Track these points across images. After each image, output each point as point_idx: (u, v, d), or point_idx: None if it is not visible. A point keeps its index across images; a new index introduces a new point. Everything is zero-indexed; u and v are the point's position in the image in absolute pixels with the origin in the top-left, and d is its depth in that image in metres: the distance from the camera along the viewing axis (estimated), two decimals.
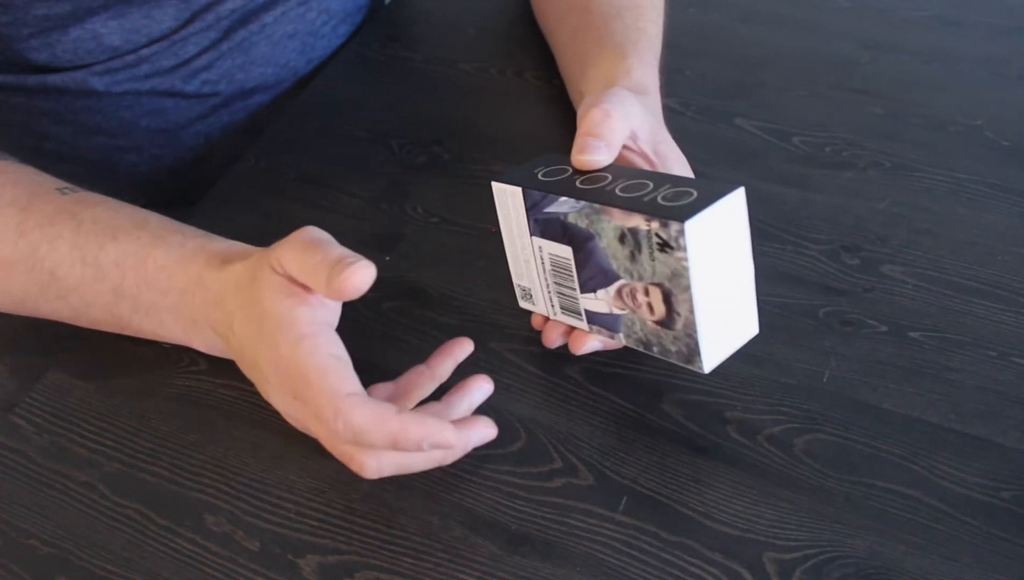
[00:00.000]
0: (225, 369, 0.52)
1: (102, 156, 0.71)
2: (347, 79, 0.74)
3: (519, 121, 0.68)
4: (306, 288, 0.44)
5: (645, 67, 0.58)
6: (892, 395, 0.50)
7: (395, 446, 0.42)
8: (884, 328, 0.53)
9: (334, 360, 0.43)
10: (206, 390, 0.52)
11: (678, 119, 0.68)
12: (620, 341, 0.48)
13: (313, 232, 0.44)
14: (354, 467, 0.44)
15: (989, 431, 0.48)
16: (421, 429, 0.42)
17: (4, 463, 0.49)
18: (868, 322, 0.54)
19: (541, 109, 0.69)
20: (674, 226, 0.41)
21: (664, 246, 0.42)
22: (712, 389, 0.51)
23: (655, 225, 0.42)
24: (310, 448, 0.49)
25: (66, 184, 0.53)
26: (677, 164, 0.52)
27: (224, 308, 0.47)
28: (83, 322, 0.53)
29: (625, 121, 0.48)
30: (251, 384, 0.51)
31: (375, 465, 0.44)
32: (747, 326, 0.46)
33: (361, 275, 0.41)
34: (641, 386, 0.51)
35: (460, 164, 0.65)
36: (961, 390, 0.50)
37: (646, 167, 0.50)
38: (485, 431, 0.45)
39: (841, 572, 0.43)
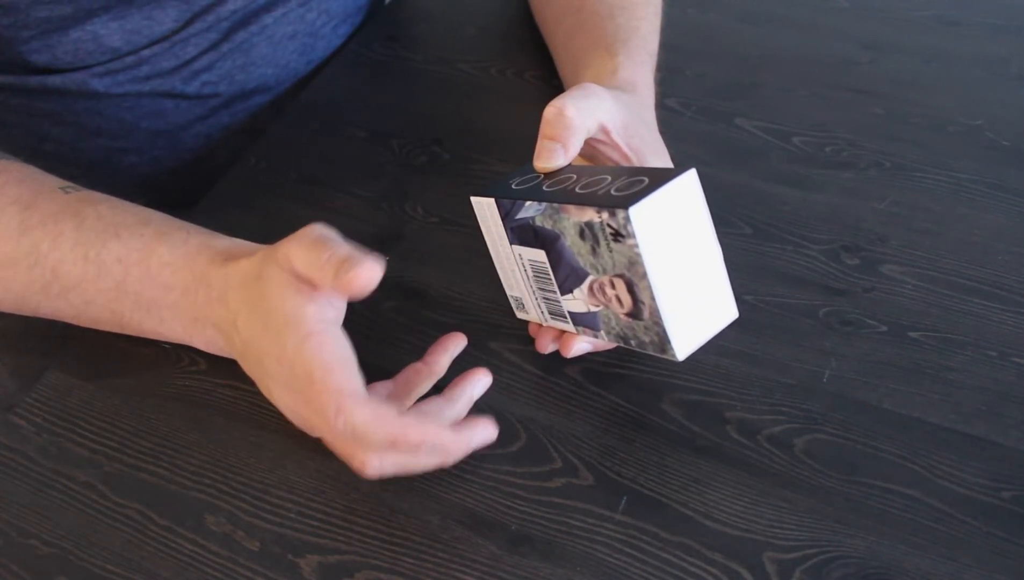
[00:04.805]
0: (225, 369, 0.52)
1: (102, 157, 0.71)
2: (347, 79, 0.74)
3: (519, 121, 0.68)
4: (313, 285, 0.44)
5: (634, 65, 0.58)
6: (892, 395, 0.50)
7: (394, 447, 0.42)
8: (884, 328, 0.53)
9: (339, 358, 0.43)
10: (206, 390, 0.52)
11: (678, 119, 0.68)
12: (604, 339, 0.48)
13: (319, 229, 0.44)
14: (355, 465, 0.44)
15: (989, 431, 0.48)
16: (420, 431, 0.42)
17: (4, 463, 0.49)
18: (868, 322, 0.54)
19: (541, 109, 0.68)
20: (620, 214, 0.41)
21: (616, 235, 0.42)
22: (712, 389, 0.51)
23: (605, 216, 0.42)
24: (310, 448, 0.49)
25: (69, 183, 0.54)
26: (653, 158, 0.51)
27: (227, 305, 0.47)
28: (83, 321, 0.53)
29: (588, 115, 0.47)
30: (251, 384, 0.51)
31: (377, 464, 0.44)
32: (723, 311, 0.45)
33: (368, 273, 0.42)
34: (641, 386, 0.51)
35: (460, 164, 0.65)
36: (961, 390, 0.50)
37: (620, 160, 0.50)
38: (485, 432, 0.45)
39: (841, 572, 0.43)
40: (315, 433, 0.46)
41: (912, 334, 0.53)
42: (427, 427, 0.42)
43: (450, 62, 0.75)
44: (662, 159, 0.52)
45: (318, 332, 0.43)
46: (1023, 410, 0.49)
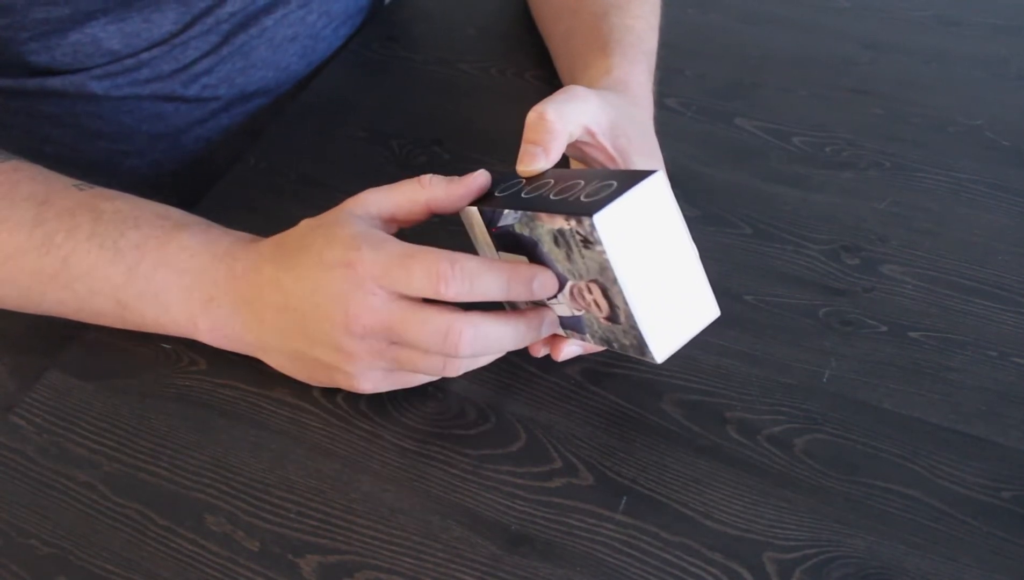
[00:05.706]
0: (225, 369, 0.52)
1: (103, 160, 0.71)
2: (347, 80, 0.74)
3: (519, 121, 0.68)
4: (394, 221, 0.49)
5: (627, 64, 0.57)
6: (892, 395, 0.50)
7: (508, 284, 0.44)
8: (884, 328, 0.53)
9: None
10: (206, 390, 0.52)
11: (678, 119, 0.68)
12: (591, 342, 0.48)
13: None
14: (450, 342, 0.44)
15: (989, 431, 0.48)
16: (528, 267, 0.45)
17: (4, 463, 0.49)
18: (868, 322, 0.54)
19: None
20: (586, 221, 0.40)
21: (586, 242, 0.41)
22: (712, 389, 0.51)
23: (573, 223, 0.41)
24: (310, 448, 0.49)
25: (81, 182, 0.54)
26: (639, 159, 0.50)
27: (259, 275, 0.48)
28: (84, 314, 0.53)
29: (570, 119, 0.47)
30: (251, 383, 0.51)
31: (472, 333, 0.44)
32: (702, 310, 0.44)
33: (483, 175, 0.48)
34: (641, 386, 0.51)
35: (460, 164, 0.65)
36: (961, 390, 0.50)
37: (606, 162, 0.50)
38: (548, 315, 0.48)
39: (841, 572, 0.43)
40: (373, 356, 0.47)
41: (912, 334, 0.53)
42: (530, 265, 0.45)
43: (450, 62, 0.75)
44: (650, 159, 0.51)
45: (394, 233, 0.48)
46: (1023, 410, 0.49)
